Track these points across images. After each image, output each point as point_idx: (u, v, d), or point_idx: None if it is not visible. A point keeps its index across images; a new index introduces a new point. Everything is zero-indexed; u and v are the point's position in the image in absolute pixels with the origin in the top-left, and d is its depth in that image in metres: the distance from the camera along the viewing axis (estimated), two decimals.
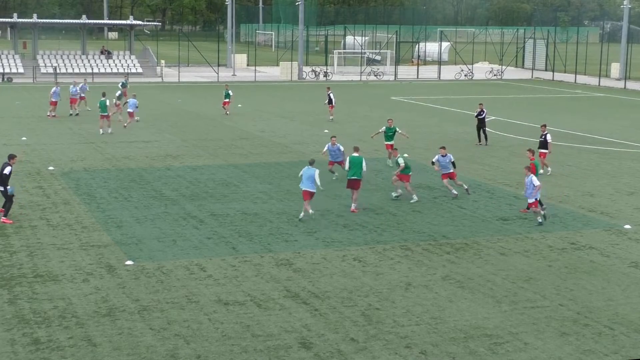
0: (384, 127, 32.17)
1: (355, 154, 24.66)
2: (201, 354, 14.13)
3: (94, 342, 14.50)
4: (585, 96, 64.77)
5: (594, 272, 19.02)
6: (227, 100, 46.98)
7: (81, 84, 47.22)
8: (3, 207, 22.73)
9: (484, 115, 37.26)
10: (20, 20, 77.74)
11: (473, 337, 15.08)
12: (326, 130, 41.07)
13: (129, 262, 19.08)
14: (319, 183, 23.09)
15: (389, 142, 31.94)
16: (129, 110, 41.54)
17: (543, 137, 30.39)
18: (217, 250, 20.29)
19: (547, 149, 30.13)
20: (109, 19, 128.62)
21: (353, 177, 24.35)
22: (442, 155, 25.92)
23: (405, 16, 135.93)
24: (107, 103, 39.08)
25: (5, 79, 67.65)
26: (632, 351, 14.56)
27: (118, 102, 43.01)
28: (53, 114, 44.21)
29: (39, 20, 77.21)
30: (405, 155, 26.32)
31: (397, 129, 31.95)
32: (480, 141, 37.44)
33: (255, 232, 21.95)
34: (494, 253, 20.41)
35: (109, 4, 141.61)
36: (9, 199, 22.82)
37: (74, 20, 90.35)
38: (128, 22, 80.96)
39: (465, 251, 20.53)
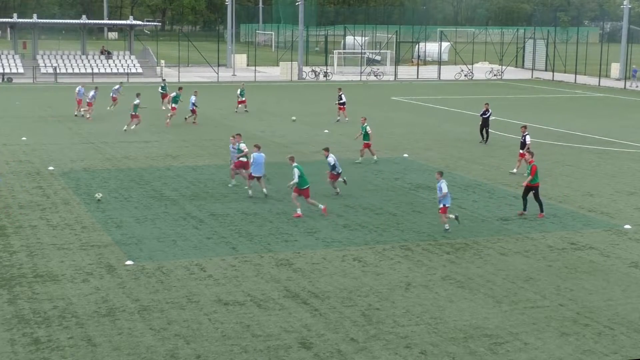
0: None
1: (295, 163, 24.08)
2: (201, 354, 14.13)
3: (94, 342, 14.50)
4: (585, 96, 64.76)
5: (594, 272, 19.02)
6: (243, 99, 47.95)
7: (117, 86, 47.87)
8: None
9: (488, 115, 37.59)
10: (20, 20, 77.77)
11: (473, 337, 15.08)
12: (326, 130, 41.08)
13: (129, 262, 19.08)
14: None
15: (365, 141, 31.97)
16: (190, 108, 42.35)
17: (523, 138, 30.27)
18: (217, 250, 20.29)
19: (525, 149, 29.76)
20: (109, 19, 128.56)
21: (307, 187, 23.80)
22: (326, 157, 26.26)
23: (405, 16, 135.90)
24: (137, 102, 39.60)
25: (5, 79, 67.64)
26: (632, 351, 14.56)
27: (175, 105, 42.72)
28: (88, 116, 44.09)
29: (39, 21, 77.20)
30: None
31: (367, 129, 31.79)
32: (482, 139, 37.69)
33: (255, 232, 21.95)
34: (494, 253, 20.41)
35: (109, 4, 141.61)
36: None
37: (74, 21, 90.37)
38: (128, 22, 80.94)
39: (465, 251, 20.53)
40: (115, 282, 17.71)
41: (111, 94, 47.33)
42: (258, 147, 25.71)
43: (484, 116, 37.72)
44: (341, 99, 45.00)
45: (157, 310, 16.10)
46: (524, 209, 24.13)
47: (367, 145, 31.98)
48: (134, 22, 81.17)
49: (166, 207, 24.55)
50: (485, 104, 38.08)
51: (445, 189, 21.97)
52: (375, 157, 32.29)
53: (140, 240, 20.97)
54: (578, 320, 15.97)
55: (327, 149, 26.36)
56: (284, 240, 21.26)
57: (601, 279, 18.57)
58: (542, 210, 24.03)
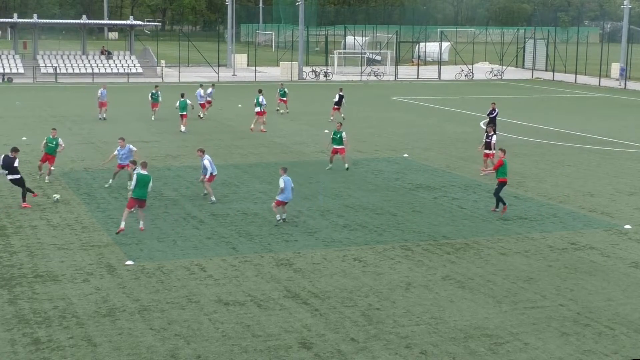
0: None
1: (144, 171, 21.95)
2: (201, 354, 14.13)
3: (94, 342, 14.50)
4: (585, 96, 64.77)
5: (594, 272, 19.02)
6: (284, 98, 48.15)
7: (210, 90, 46.51)
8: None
9: (495, 114, 37.79)
10: (20, 20, 77.81)
11: (473, 337, 15.07)
12: (326, 130, 41.03)
13: (129, 262, 19.08)
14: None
15: (334, 145, 30.30)
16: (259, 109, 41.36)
17: (489, 138, 29.24)
18: (217, 250, 20.29)
19: (491, 149, 29.05)
20: (109, 19, 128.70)
21: (139, 198, 21.70)
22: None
23: (405, 16, 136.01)
24: (188, 102, 39.98)
25: (6, 79, 67.65)
26: (632, 351, 14.56)
27: (260, 109, 41.03)
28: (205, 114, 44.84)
29: (39, 21, 77.24)
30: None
31: (343, 134, 30.29)
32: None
33: (255, 232, 21.95)
34: (494, 253, 20.41)
35: (109, 4, 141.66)
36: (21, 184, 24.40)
37: (74, 21, 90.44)
38: (128, 22, 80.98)
39: (465, 251, 20.53)
40: (116, 282, 17.71)
41: (207, 98, 45.82)
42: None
43: (491, 115, 37.96)
44: (335, 98, 45.14)
45: (157, 310, 16.10)
46: (499, 205, 24.22)
47: (337, 151, 30.27)
48: (134, 22, 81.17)
49: (166, 207, 24.54)
50: (492, 104, 38.51)
51: (281, 184, 22.01)
52: (330, 166, 30.69)
53: (140, 240, 20.96)
54: (578, 320, 15.97)
55: (202, 150, 25.23)
56: (284, 240, 21.26)
57: (601, 279, 18.57)
58: (504, 204, 24.12)
